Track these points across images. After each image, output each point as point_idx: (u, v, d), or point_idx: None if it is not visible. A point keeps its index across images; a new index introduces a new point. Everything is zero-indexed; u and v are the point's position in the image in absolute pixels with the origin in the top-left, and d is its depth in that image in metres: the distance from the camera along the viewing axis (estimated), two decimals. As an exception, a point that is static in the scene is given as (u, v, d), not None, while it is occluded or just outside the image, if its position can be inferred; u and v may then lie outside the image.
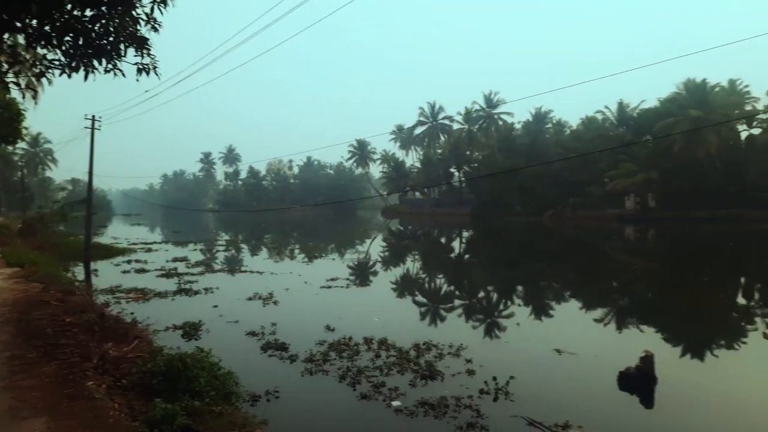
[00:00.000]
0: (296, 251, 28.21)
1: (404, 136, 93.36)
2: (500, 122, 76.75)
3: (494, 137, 73.47)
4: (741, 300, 16.09)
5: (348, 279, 17.77)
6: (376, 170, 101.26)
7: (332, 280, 17.20)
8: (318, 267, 21.48)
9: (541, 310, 13.65)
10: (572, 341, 9.67)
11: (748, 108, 53.19)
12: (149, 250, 26.90)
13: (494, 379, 7.31)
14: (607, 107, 65.11)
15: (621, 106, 63.68)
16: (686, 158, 50.33)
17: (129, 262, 21.89)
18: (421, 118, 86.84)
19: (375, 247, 33.13)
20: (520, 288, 17.73)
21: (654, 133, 52.85)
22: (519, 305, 14.42)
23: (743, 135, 54.30)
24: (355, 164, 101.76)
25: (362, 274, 20.33)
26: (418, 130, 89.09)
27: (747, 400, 7.23)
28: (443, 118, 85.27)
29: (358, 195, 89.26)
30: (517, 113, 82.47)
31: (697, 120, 48.07)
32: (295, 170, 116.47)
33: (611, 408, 6.81)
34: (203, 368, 6.19)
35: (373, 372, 7.86)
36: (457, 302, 15.03)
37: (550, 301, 15.25)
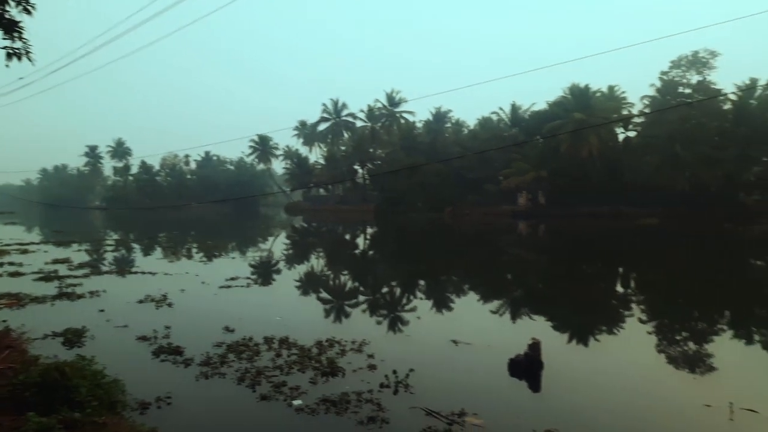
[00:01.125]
0: (194, 250, 26.99)
1: (307, 132, 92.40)
2: (402, 121, 78.32)
3: (397, 135, 74.84)
4: (619, 288, 17.61)
5: (249, 278, 17.28)
6: (278, 166, 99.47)
7: (232, 279, 16.64)
8: (217, 266, 20.70)
9: (441, 303, 14.09)
10: (469, 332, 10.06)
11: (625, 112, 58.23)
12: (25, 252, 24.51)
13: (394, 372, 7.43)
14: (501, 108, 68.56)
15: (514, 108, 67.28)
16: (571, 158, 54.21)
17: (0, 264, 19.82)
18: (325, 115, 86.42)
19: (278, 244, 32.53)
20: (422, 282, 18.18)
21: (543, 134, 56.43)
22: (421, 299, 14.78)
23: (621, 137, 59.46)
24: (256, 160, 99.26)
25: (264, 272, 19.87)
26: (322, 127, 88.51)
27: (625, 379, 7.88)
28: (346, 115, 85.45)
29: (261, 191, 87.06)
30: (419, 112, 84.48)
31: (581, 122, 51.91)
32: (193, 165, 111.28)
33: (502, 394, 7.16)
34: (85, 377, 5.72)
35: (273, 372, 7.69)
36: (361, 298, 15.12)
37: (450, 294, 15.77)
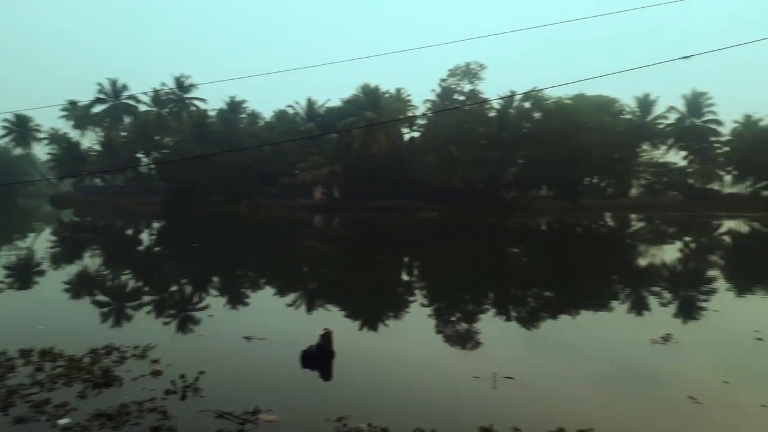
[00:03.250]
0: (-77, 251, 21.98)
1: (79, 114, 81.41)
2: (193, 108, 73.79)
3: (187, 123, 70.30)
4: (405, 276, 19.09)
5: (2, 282, 14.67)
6: (42, 151, 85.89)
7: (-22, 284, 13.95)
8: (-44, 270, 17.16)
9: (235, 300, 13.67)
10: (264, 327, 9.94)
11: (410, 114, 63.28)
12: None
13: (182, 376, 6.98)
14: (297, 102, 69.01)
15: (310, 103, 68.30)
16: (363, 154, 57.12)
17: None
18: (101, 95, 76.79)
19: (42, 242, 28.21)
20: (215, 279, 17.41)
21: (337, 130, 58.44)
22: (214, 296, 14.15)
23: (406, 136, 64.51)
24: (12, 143, 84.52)
25: (23, 275, 17.08)
26: (97, 108, 78.53)
27: (409, 360, 8.54)
28: (127, 98, 77.13)
29: (19, 179, 74.42)
30: (213, 101, 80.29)
31: (371, 120, 54.97)
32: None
33: (296, 387, 7.21)
34: None
35: (31, 389, 6.63)
36: (146, 299, 13.88)
37: (245, 289, 15.40)
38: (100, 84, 76.35)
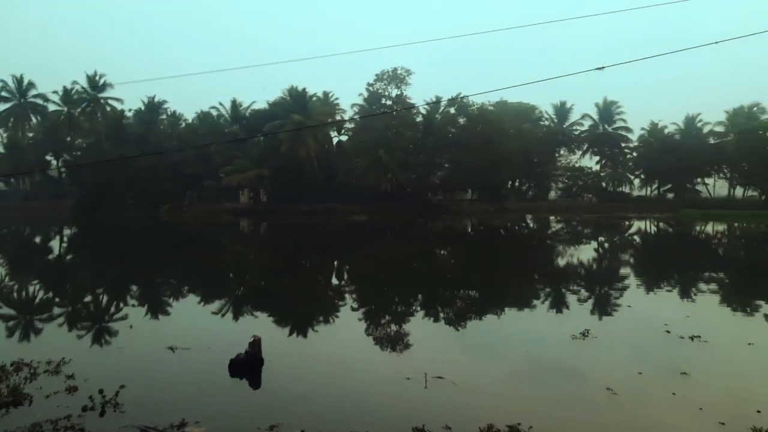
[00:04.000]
0: None
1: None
2: (108, 108, 69.86)
3: (101, 124, 66.52)
4: (335, 280, 19.00)
5: None
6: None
7: None
8: None
9: (156, 309, 13.06)
10: (188, 337, 9.58)
11: (338, 117, 63.24)
12: None
13: (101, 391, 6.59)
14: (221, 104, 67.21)
15: (234, 105, 66.70)
16: (291, 158, 56.45)
17: None
18: (4, 93, 71.16)
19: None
20: (134, 287, 16.57)
21: (264, 133, 57.46)
22: (134, 306, 13.46)
23: (335, 140, 64.41)
24: None
25: None
26: (0, 107, 72.73)
27: (340, 365, 8.51)
28: (35, 96, 71.99)
29: None
30: (130, 101, 76.51)
31: (299, 123, 54.47)
32: None
33: (224, 397, 7.00)
34: None
35: (-72, 415, 6.04)
36: (57, 310, 13.01)
37: (168, 297, 14.75)
38: (2, 81, 70.74)
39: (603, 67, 10.75)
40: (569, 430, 5.79)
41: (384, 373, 8.14)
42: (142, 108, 69.57)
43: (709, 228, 42.32)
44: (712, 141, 72.53)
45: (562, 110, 77.50)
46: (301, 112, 57.19)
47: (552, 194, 79.35)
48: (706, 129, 73.69)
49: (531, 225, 48.23)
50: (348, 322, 11.68)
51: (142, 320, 11.61)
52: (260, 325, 11.13)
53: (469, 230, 43.10)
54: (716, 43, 11.25)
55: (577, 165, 78.75)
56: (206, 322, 11.58)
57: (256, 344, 7.88)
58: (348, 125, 63.10)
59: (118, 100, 70.01)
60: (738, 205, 63.85)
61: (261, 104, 65.01)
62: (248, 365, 7.71)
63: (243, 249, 29.28)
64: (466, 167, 57.37)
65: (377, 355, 9.31)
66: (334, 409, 6.59)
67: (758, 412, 6.18)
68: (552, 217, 55.25)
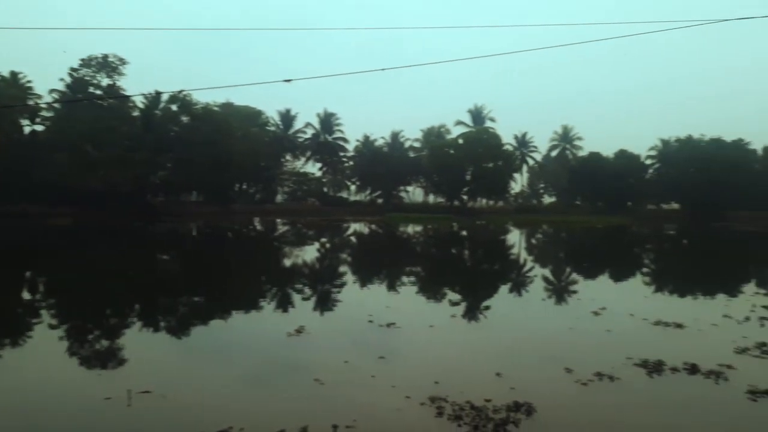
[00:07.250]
0: None
1: None
2: None
3: None
4: (27, 294, 16.03)
5: None
6: None
7: None
8: None
9: None
10: None
11: (31, 103, 53.89)
12: None
13: None
14: None
15: None
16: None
17: None
18: None
19: None
20: None
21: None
22: None
23: (27, 129, 54.57)
24: None
25: None
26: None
27: (47, 394, 7.20)
28: None
29: None
30: None
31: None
32: None
33: None
34: None
35: None
36: None
37: None
38: None
39: (290, 80, 11.74)
40: (276, 425, 5.95)
41: (78, 394, 7.18)
42: None
43: (410, 229, 49.09)
44: (412, 154, 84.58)
45: (288, 117, 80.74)
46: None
47: (278, 198, 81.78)
48: (407, 144, 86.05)
49: (259, 227, 48.74)
50: (44, 342, 9.98)
51: None
52: None
53: (195, 233, 41.35)
54: (383, 69, 13.34)
55: (301, 170, 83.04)
56: None
57: None
58: (45, 113, 54.05)
59: None
60: (431, 209, 76.41)
61: None
62: None
63: None
64: (191, 167, 54.89)
65: (76, 375, 8.13)
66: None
67: (436, 383, 7.35)
68: (278, 220, 56.79)
